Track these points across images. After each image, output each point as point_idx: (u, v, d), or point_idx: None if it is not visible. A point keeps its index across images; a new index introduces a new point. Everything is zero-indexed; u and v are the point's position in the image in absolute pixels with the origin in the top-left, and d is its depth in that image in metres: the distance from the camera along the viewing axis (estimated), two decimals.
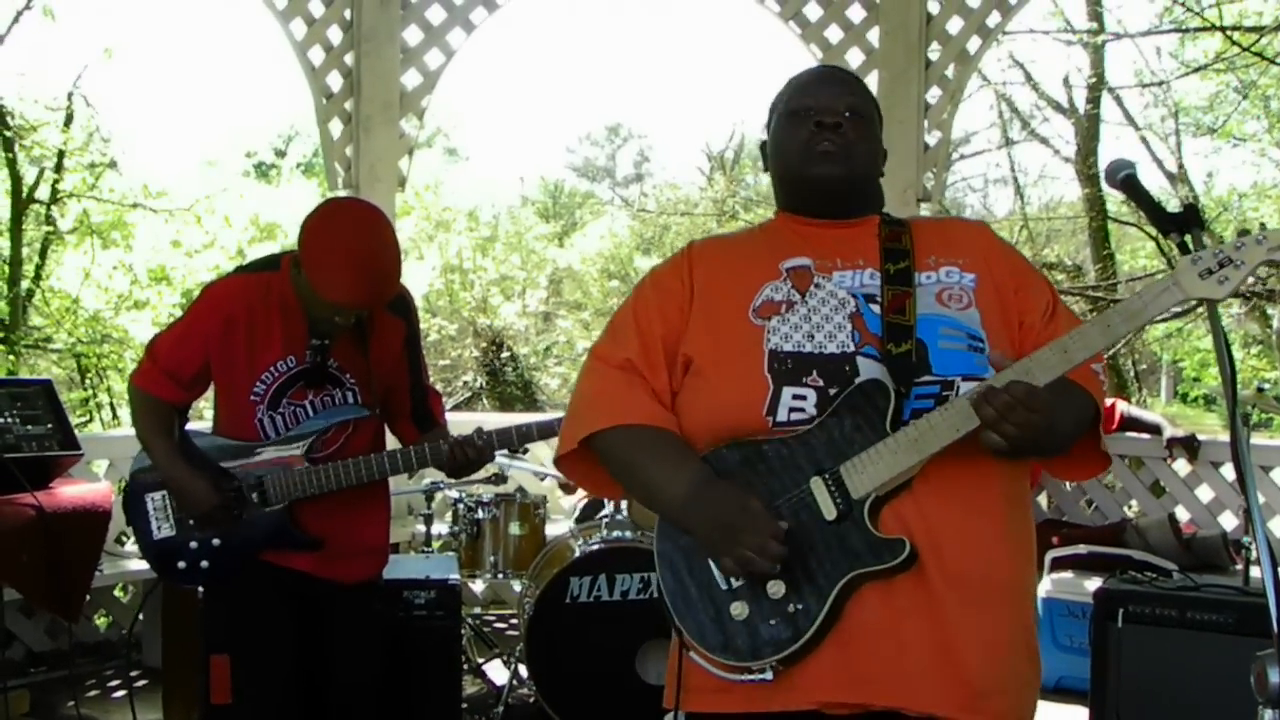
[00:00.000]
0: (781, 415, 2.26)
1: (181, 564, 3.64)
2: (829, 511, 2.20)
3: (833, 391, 2.24)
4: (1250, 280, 2.07)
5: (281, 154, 25.90)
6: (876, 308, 2.32)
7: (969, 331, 2.30)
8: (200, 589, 3.95)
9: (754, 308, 2.35)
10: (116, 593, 6.60)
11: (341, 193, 6.54)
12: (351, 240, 3.36)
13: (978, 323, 2.32)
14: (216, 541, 3.61)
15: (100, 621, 6.50)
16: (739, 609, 2.19)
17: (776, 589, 2.18)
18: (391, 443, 3.86)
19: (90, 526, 5.21)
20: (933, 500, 2.19)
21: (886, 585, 2.16)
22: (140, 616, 6.16)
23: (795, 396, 2.25)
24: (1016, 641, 2.27)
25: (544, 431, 3.79)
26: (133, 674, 6.02)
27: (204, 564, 3.62)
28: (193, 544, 3.62)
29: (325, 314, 3.45)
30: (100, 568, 5.49)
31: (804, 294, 2.35)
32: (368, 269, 3.38)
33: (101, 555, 5.45)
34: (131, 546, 6.25)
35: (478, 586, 7.08)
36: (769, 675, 2.17)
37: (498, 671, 5.79)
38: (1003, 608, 2.24)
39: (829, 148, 2.40)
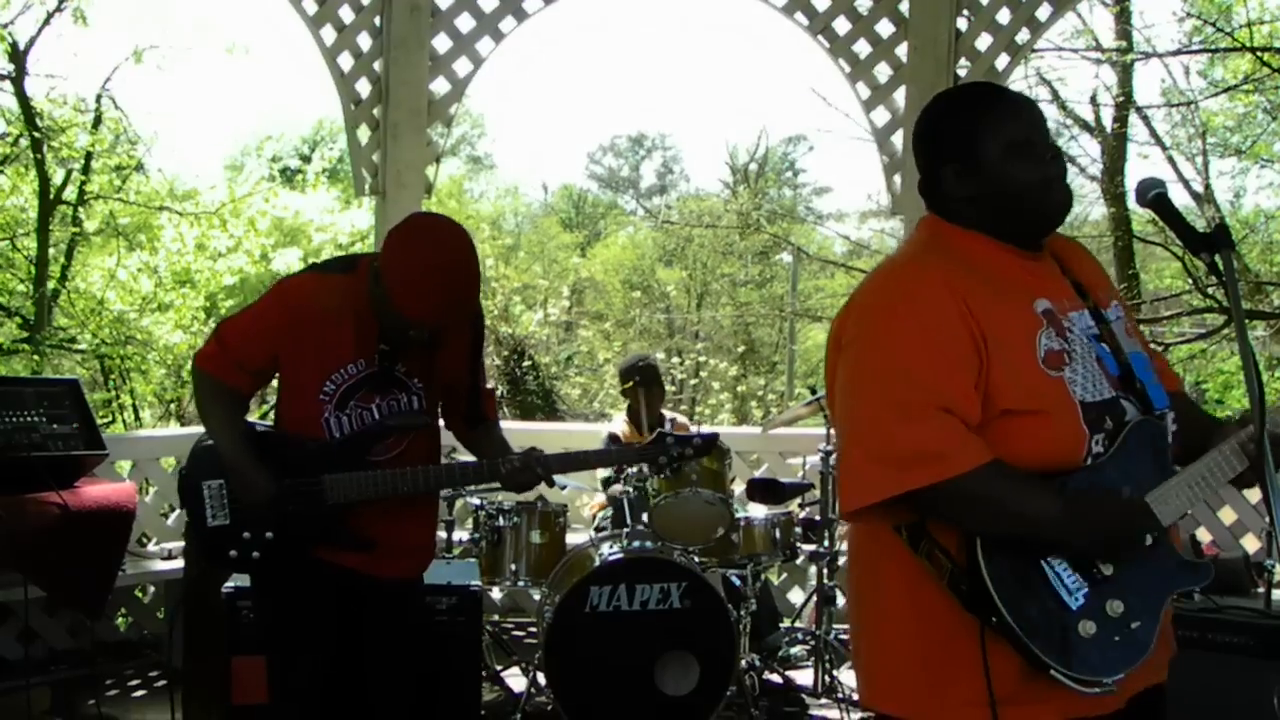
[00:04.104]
0: (1089, 462, 2.37)
1: (233, 552, 3.62)
2: (1148, 537, 2.33)
3: (1111, 429, 2.37)
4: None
5: (307, 159, 26.02)
6: (1106, 348, 2.45)
7: (1147, 362, 2.47)
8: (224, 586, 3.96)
9: (1041, 358, 2.36)
10: (138, 593, 6.62)
11: (366, 199, 6.56)
12: (439, 263, 3.39)
13: (1144, 352, 2.49)
14: (270, 535, 3.61)
15: (121, 621, 6.53)
16: (1087, 627, 2.29)
17: (1117, 607, 2.31)
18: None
19: (114, 526, 5.25)
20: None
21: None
22: (161, 616, 6.20)
23: (1098, 442, 2.36)
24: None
25: (636, 456, 4.05)
26: (152, 674, 6.04)
27: (255, 555, 3.61)
28: (246, 534, 3.61)
29: (400, 328, 3.46)
30: (123, 567, 5.52)
31: (1067, 341, 2.41)
32: (453, 293, 3.42)
33: (124, 555, 5.48)
34: (154, 547, 6.29)
35: (497, 594, 7.09)
36: (1114, 687, 2.29)
37: (516, 679, 5.79)
38: None
39: (1062, 177, 2.47)
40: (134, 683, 5.92)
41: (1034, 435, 2.33)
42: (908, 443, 2.29)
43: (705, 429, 5.26)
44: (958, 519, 2.34)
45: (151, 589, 6.61)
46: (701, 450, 3.97)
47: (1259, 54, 13.88)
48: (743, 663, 5.40)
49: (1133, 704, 2.39)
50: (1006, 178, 2.44)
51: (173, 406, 18.66)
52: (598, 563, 5.10)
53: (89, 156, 16.75)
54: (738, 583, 5.70)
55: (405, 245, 3.44)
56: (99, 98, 16.72)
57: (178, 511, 6.61)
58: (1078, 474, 2.33)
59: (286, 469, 3.58)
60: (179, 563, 5.75)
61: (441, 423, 3.91)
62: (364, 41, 6.69)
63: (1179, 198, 16.63)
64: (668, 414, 6.70)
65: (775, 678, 5.98)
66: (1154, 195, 2.38)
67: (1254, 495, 6.19)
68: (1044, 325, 2.38)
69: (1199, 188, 16.81)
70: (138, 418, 17.75)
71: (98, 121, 16.77)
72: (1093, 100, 16.62)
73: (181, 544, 5.65)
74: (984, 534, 2.29)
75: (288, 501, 3.57)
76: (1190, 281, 14.58)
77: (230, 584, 4.41)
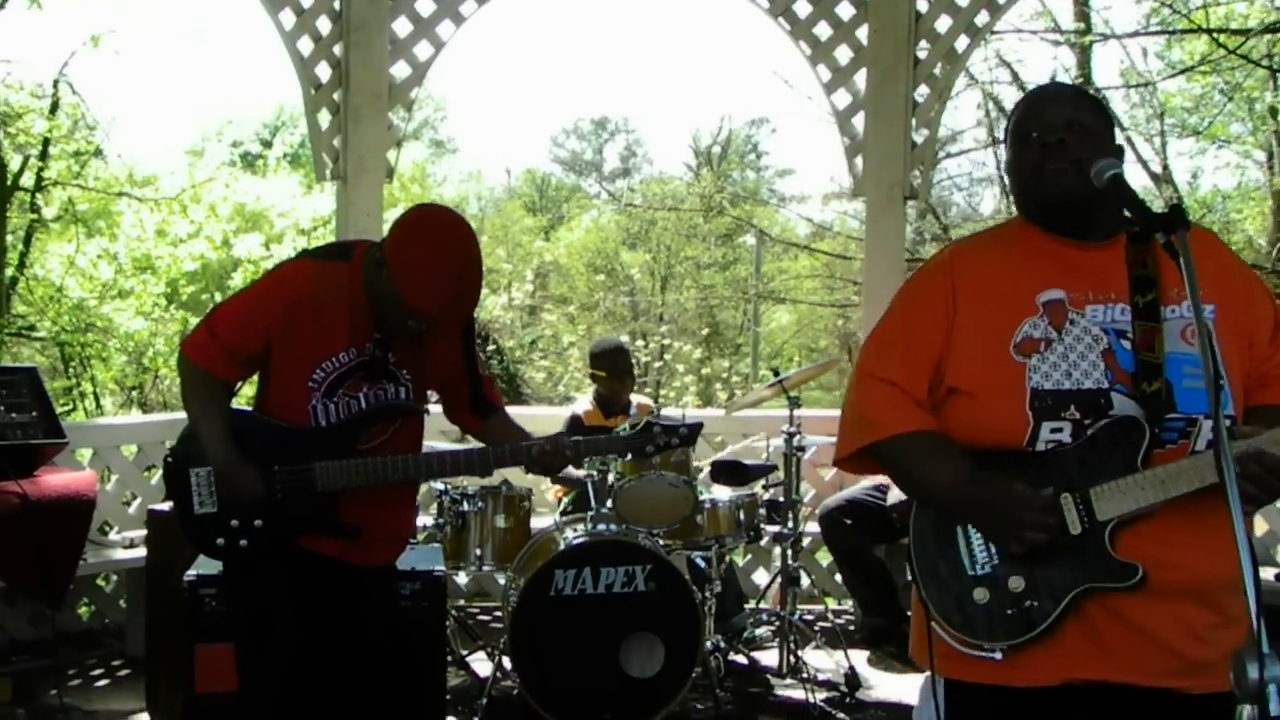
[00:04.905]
0: (1040, 447, 2.46)
1: (220, 540, 3.58)
2: (1074, 526, 2.42)
3: (1087, 422, 2.44)
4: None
5: (268, 144, 25.83)
6: (1128, 344, 2.47)
7: (1197, 364, 2.44)
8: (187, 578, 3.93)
9: (1015, 343, 2.50)
10: (100, 582, 6.59)
11: (329, 184, 6.53)
12: (449, 258, 3.39)
13: (1220, 356, 2.44)
14: (259, 523, 3.56)
15: (83, 611, 6.49)
16: (981, 594, 2.45)
17: (1017, 583, 2.43)
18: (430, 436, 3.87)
19: (74, 515, 5.22)
20: (1168, 519, 2.39)
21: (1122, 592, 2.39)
22: (123, 605, 6.16)
23: (1053, 430, 2.45)
24: (1230, 622, 2.41)
25: (625, 446, 4.01)
26: (115, 662, 6.01)
27: (243, 543, 3.57)
28: (234, 523, 3.57)
29: (400, 318, 3.44)
30: (84, 556, 5.49)
31: (1060, 331, 2.49)
32: (462, 287, 3.42)
33: (85, 544, 5.45)
34: (116, 536, 6.25)
35: (462, 579, 7.09)
36: (998, 656, 2.43)
37: (482, 664, 5.80)
38: (1219, 600, 2.41)
39: (1058, 165, 2.50)
40: (97, 672, 5.89)
41: (972, 414, 2.53)
42: (855, 409, 2.69)
43: (668, 411, 5.27)
44: (892, 478, 2.74)
45: (114, 578, 6.58)
46: (688, 439, 3.98)
47: (1215, 35, 13.97)
48: (708, 644, 5.42)
49: (1106, 699, 2.44)
50: (1011, 170, 2.65)
51: (134, 394, 18.52)
52: (562, 546, 5.10)
53: (46, 142, 16.56)
54: (702, 565, 5.72)
55: (414, 237, 3.42)
56: (56, 83, 16.53)
57: (139, 499, 6.58)
58: (1024, 457, 2.46)
59: (275, 456, 3.55)
60: (140, 551, 5.72)
61: (437, 411, 3.90)
62: (323, 25, 6.66)
63: (1138, 179, 16.76)
64: (634, 398, 6.71)
65: (740, 659, 6.02)
66: (1110, 176, 2.40)
67: None
68: (1037, 314, 2.51)
69: (1157, 168, 16.93)
70: (99, 405, 17.62)
71: (55, 107, 16.58)
72: (1052, 81, 16.66)
73: (143, 532, 5.61)
74: (909, 494, 2.62)
75: (274, 499, 3.54)
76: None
77: (192, 572, 4.39)
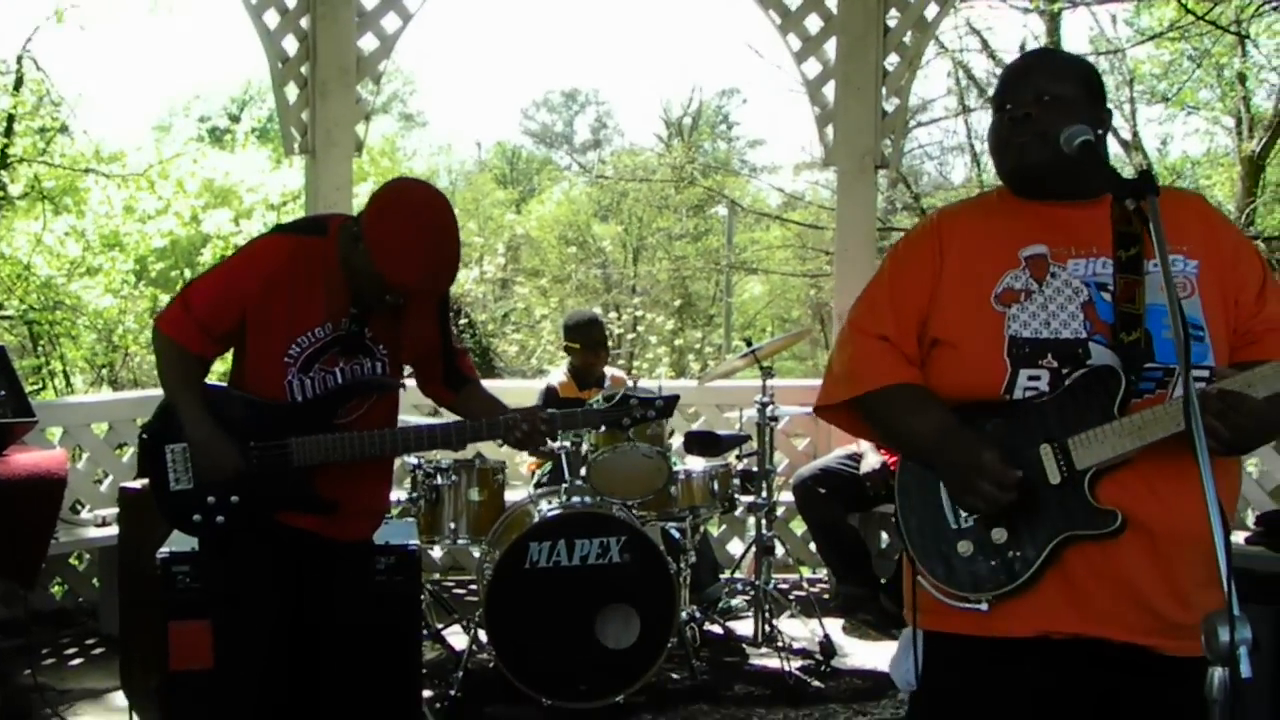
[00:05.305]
0: (1017, 394, 2.51)
1: (197, 516, 3.57)
2: (1054, 476, 2.45)
3: (1065, 371, 2.48)
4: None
5: (236, 119, 25.65)
6: (1108, 295, 2.50)
7: (1190, 320, 2.43)
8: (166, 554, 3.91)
9: (996, 294, 2.56)
10: (72, 561, 6.56)
11: (297, 158, 6.49)
12: (428, 231, 3.38)
13: (1199, 310, 2.48)
14: (235, 498, 3.55)
15: (56, 590, 6.46)
16: (965, 547, 2.51)
17: (1000, 535, 2.48)
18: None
19: (45, 494, 5.18)
20: (1149, 468, 2.41)
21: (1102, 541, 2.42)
22: (96, 583, 6.14)
23: (1030, 378, 2.50)
24: (1213, 583, 2.33)
25: (600, 418, 4.05)
26: (89, 641, 5.99)
27: (219, 519, 3.56)
28: (211, 498, 3.55)
29: (377, 293, 3.42)
30: (55, 535, 5.46)
31: (1041, 283, 2.55)
32: (440, 259, 3.42)
33: (57, 523, 5.42)
34: (87, 514, 6.22)
35: (437, 553, 7.08)
36: (984, 607, 2.49)
37: (457, 637, 5.80)
38: (1201, 555, 2.33)
39: (1022, 139, 2.55)
40: (70, 651, 5.88)
41: (954, 364, 2.59)
42: (840, 362, 2.76)
43: (643, 383, 5.27)
44: (875, 429, 2.79)
45: (86, 556, 6.55)
46: (664, 412, 3.99)
47: (1183, 1, 14.02)
48: (683, 615, 5.44)
49: (1079, 653, 2.46)
50: (988, 138, 2.71)
51: (104, 372, 18.39)
52: (536, 519, 5.11)
53: (11, 119, 16.38)
54: (677, 535, 5.74)
55: (392, 210, 3.41)
56: (19, 59, 16.34)
57: (110, 477, 6.54)
58: (1003, 410, 2.52)
59: (251, 431, 3.53)
60: (113, 529, 5.69)
61: (413, 384, 3.89)
62: None
63: (1108, 146, 16.77)
64: (608, 370, 6.71)
65: (716, 629, 6.04)
66: (1080, 143, 2.42)
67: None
68: (1019, 267, 2.57)
69: (1127, 135, 16.98)
70: (69, 384, 17.48)
71: (19, 83, 16.38)
72: (1022, 49, 16.69)
73: (115, 510, 5.58)
74: (892, 447, 2.66)
75: (253, 473, 3.52)
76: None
77: (165, 549, 4.36)
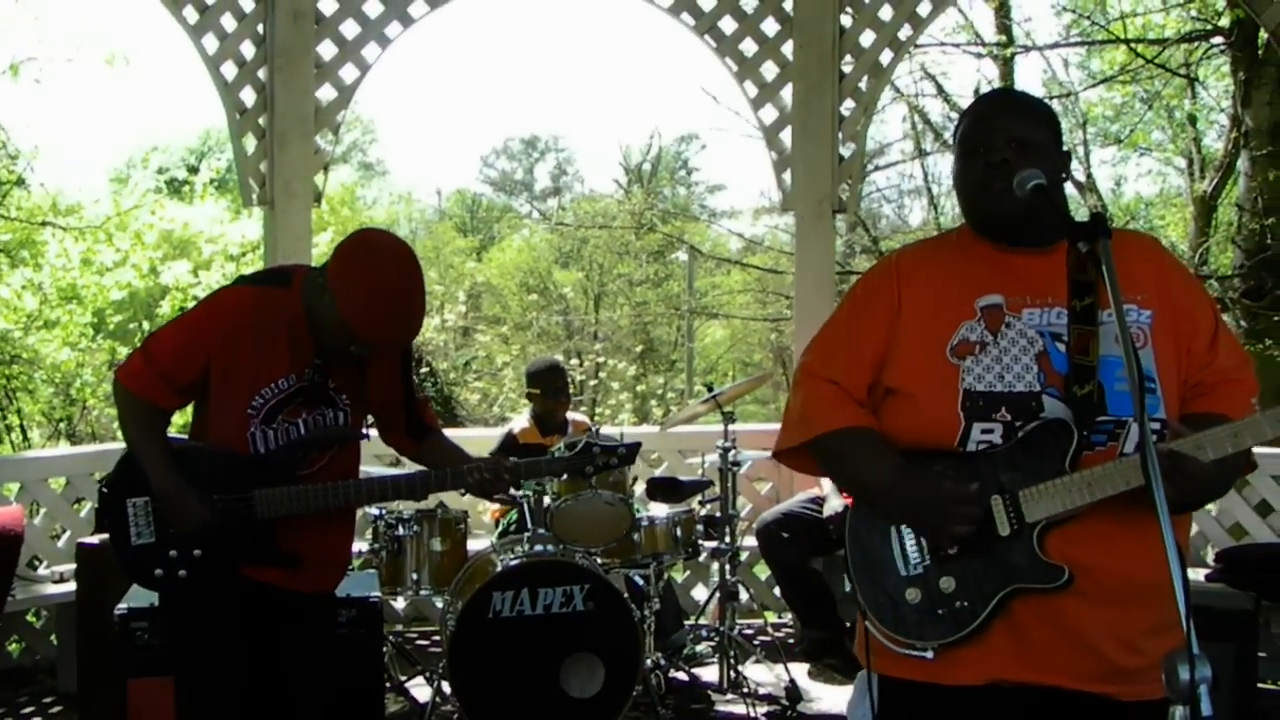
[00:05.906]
0: (970, 447, 2.52)
1: (159, 571, 3.52)
2: (1003, 528, 2.47)
3: (1018, 424, 2.48)
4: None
5: (194, 170, 25.55)
6: (1062, 346, 2.50)
7: (1144, 373, 2.43)
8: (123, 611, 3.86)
9: (951, 346, 2.56)
10: (29, 618, 6.47)
11: (256, 209, 6.47)
12: (394, 284, 3.38)
13: (1152, 361, 2.50)
14: (198, 552, 3.50)
15: (13, 647, 6.37)
16: (913, 594, 2.51)
17: (948, 584, 2.49)
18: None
19: (1, 550, 5.12)
20: (1098, 521, 2.43)
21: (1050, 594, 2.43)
22: (54, 640, 6.06)
23: (984, 431, 2.51)
24: (1164, 630, 2.38)
25: (563, 467, 4.01)
26: (46, 700, 5.90)
27: (181, 573, 3.51)
28: (173, 552, 3.50)
29: (343, 344, 3.41)
30: (12, 592, 5.39)
31: (996, 334, 2.55)
32: (408, 313, 3.43)
33: (13, 580, 5.36)
34: (45, 570, 6.15)
35: (399, 604, 7.03)
36: (929, 655, 2.50)
37: (421, 689, 5.75)
38: (1151, 605, 2.39)
39: (1001, 185, 2.52)
40: (28, 710, 5.79)
41: (907, 414, 2.60)
42: (794, 406, 2.77)
43: (605, 429, 5.27)
44: (830, 473, 2.86)
45: (44, 613, 6.47)
46: (626, 459, 3.99)
47: (1133, 45, 14.25)
48: (648, 662, 5.41)
49: (1032, 701, 2.47)
50: (957, 181, 2.69)
51: (62, 425, 18.23)
52: (499, 568, 5.08)
53: None
54: (640, 582, 5.72)
55: (358, 262, 3.41)
56: None
57: (68, 533, 6.47)
58: (955, 458, 2.51)
59: (214, 483, 3.50)
60: (71, 586, 5.63)
61: (375, 434, 3.88)
62: (247, 50, 6.62)
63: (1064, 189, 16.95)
64: (571, 416, 6.71)
65: (681, 675, 6.01)
66: (1032, 186, 2.44)
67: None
68: (975, 318, 2.57)
69: (1081, 177, 17.16)
70: (25, 438, 17.30)
71: None
72: (976, 94, 16.87)
73: (73, 566, 5.53)
74: (845, 489, 2.67)
75: (219, 524, 3.49)
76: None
77: (123, 605, 4.32)
